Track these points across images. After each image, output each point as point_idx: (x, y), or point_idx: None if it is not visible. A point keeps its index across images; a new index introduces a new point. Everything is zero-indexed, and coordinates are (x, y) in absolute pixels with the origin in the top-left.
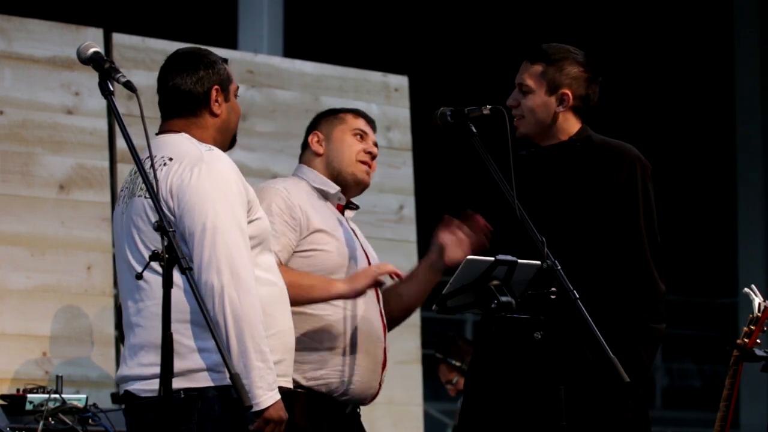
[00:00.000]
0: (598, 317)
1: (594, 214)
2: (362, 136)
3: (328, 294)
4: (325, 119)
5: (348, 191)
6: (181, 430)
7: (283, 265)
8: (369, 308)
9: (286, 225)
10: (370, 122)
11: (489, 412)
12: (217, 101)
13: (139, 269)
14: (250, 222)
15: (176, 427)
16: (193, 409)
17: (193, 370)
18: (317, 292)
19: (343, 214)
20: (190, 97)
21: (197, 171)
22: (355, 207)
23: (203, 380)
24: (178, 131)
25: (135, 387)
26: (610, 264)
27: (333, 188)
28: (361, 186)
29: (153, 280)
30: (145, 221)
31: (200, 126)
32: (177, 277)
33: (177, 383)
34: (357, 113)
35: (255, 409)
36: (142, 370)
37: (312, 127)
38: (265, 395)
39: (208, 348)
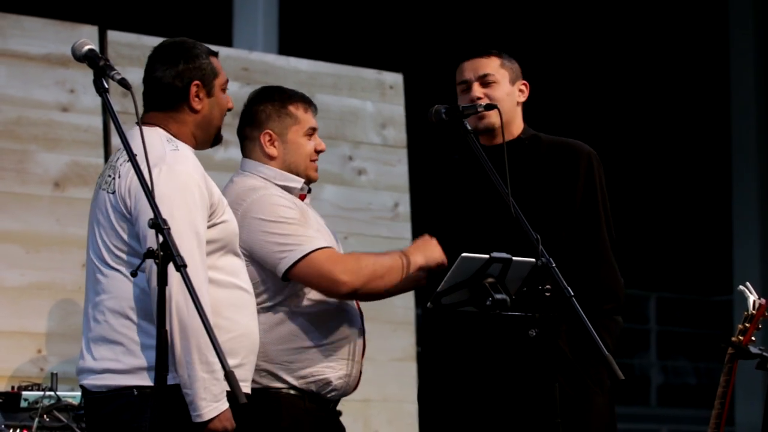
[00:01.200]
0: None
1: (556, 209)
2: (312, 134)
3: (408, 272)
4: (275, 112)
5: None
6: (133, 428)
7: (361, 255)
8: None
9: (311, 226)
10: (315, 109)
11: (473, 409)
12: (198, 97)
13: (96, 262)
14: (214, 225)
15: (128, 424)
16: (146, 406)
17: (144, 368)
18: (397, 273)
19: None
20: (169, 91)
21: (156, 172)
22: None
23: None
24: (154, 124)
25: (87, 381)
26: (574, 258)
27: (298, 182)
28: (310, 182)
29: (110, 275)
30: (105, 216)
31: (178, 121)
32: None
33: (128, 380)
34: (306, 105)
35: (198, 420)
36: (94, 363)
37: (257, 120)
38: (209, 407)
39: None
